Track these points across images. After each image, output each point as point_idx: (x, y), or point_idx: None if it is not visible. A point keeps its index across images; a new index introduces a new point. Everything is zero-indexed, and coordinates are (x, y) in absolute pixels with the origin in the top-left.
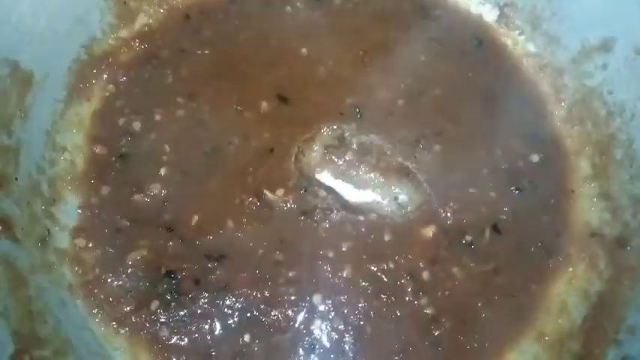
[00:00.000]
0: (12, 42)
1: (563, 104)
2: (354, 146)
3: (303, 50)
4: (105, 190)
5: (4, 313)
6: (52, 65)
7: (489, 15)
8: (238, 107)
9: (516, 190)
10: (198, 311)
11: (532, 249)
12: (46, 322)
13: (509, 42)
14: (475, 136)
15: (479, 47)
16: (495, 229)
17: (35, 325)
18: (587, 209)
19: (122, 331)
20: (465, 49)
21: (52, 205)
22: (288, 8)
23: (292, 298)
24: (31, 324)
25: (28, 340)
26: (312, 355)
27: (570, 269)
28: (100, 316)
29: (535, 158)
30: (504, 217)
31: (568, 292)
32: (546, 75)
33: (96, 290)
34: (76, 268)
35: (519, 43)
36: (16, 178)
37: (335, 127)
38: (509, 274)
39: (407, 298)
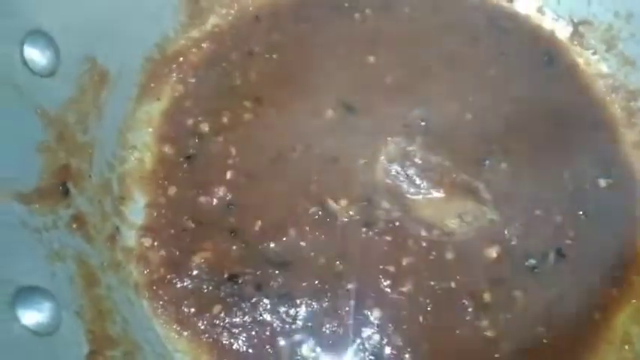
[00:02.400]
0: (92, 39)
1: (635, 128)
2: (419, 160)
3: (371, 58)
4: (172, 190)
5: (80, 312)
6: (126, 63)
7: (562, 31)
8: (304, 114)
9: (583, 214)
10: (259, 317)
11: (596, 276)
12: (115, 322)
13: (581, 61)
14: (543, 156)
15: (550, 64)
16: (560, 253)
17: (106, 324)
18: None
19: (184, 334)
20: (535, 65)
21: (121, 203)
22: (357, 15)
23: (351, 311)
24: (102, 324)
25: (101, 340)
26: None
27: (634, 301)
28: (163, 317)
29: (603, 183)
30: (569, 241)
31: (632, 323)
32: (619, 97)
33: (160, 291)
34: (142, 268)
35: (592, 62)
36: (90, 176)
37: (400, 139)
38: (572, 300)
39: (467, 319)
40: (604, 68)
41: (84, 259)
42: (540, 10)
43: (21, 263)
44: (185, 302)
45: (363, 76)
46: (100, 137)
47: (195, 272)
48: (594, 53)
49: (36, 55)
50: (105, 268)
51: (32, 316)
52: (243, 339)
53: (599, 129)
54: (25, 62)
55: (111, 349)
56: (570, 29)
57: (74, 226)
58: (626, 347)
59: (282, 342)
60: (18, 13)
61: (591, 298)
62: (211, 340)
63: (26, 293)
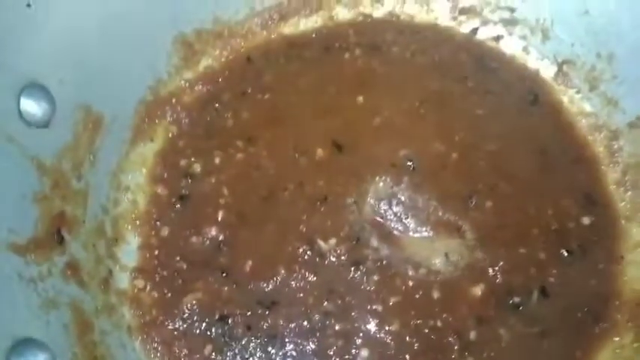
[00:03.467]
0: (86, 87)
1: (616, 167)
2: (406, 199)
3: (360, 98)
4: (164, 230)
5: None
6: (121, 107)
7: (547, 71)
8: (295, 153)
9: (566, 252)
10: (249, 358)
11: (579, 314)
12: None
13: (565, 99)
14: (527, 193)
15: (535, 102)
16: (543, 291)
17: None
18: (637, 277)
19: None
20: (521, 104)
21: (115, 245)
22: (347, 55)
23: (340, 350)
24: None
25: None
26: None
27: (617, 338)
28: (156, 359)
29: (586, 221)
30: (553, 279)
31: None
32: (601, 136)
33: (153, 333)
34: (135, 310)
35: (575, 101)
36: (84, 221)
37: (388, 178)
38: (556, 338)
39: (453, 357)
40: (587, 107)
41: (78, 305)
42: (525, 50)
43: (17, 315)
44: (177, 343)
45: (353, 116)
46: (95, 182)
47: (186, 313)
48: (578, 92)
49: (31, 107)
50: (99, 312)
51: None
52: None
53: (582, 167)
54: (20, 114)
55: None
56: (555, 68)
57: (68, 272)
58: None
59: None
60: (15, 66)
61: (574, 335)
62: None
63: (21, 346)
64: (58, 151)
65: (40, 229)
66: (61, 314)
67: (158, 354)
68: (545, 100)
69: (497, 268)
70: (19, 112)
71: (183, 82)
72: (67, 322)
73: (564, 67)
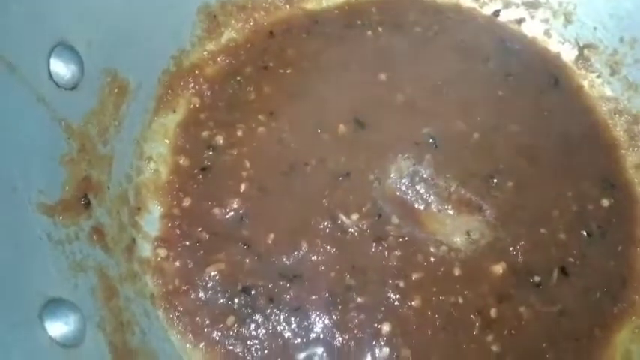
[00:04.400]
0: (113, 52)
1: (636, 151)
2: (428, 177)
3: (382, 76)
4: (186, 201)
5: (101, 324)
6: (145, 75)
7: (568, 54)
8: (317, 129)
9: (586, 233)
10: (272, 329)
11: (598, 294)
12: (134, 333)
13: (585, 83)
14: (548, 175)
15: (555, 86)
16: (563, 271)
17: (126, 336)
18: None
19: (199, 345)
20: (541, 86)
21: (137, 214)
22: (369, 33)
23: (361, 324)
24: (122, 335)
25: (122, 352)
26: None
27: (634, 318)
28: (179, 328)
29: (605, 203)
30: (572, 259)
31: (632, 340)
32: (621, 120)
33: (175, 302)
34: (157, 279)
35: (596, 85)
36: (108, 187)
37: (410, 156)
38: (575, 317)
39: (474, 333)
40: (608, 91)
41: (104, 270)
42: (547, 33)
43: (47, 275)
44: (199, 313)
45: (375, 93)
46: (119, 149)
47: (209, 284)
48: (599, 76)
49: (61, 68)
50: (123, 279)
51: (59, 328)
52: (256, 350)
53: (602, 150)
54: (50, 75)
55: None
56: (576, 52)
57: (94, 237)
58: None
59: (294, 353)
60: (44, 26)
61: (593, 315)
62: (225, 351)
63: (53, 305)
64: (85, 114)
65: (67, 192)
66: (89, 278)
67: (181, 323)
68: (566, 84)
69: (518, 247)
70: (49, 72)
71: (205, 53)
72: (94, 286)
73: (585, 51)
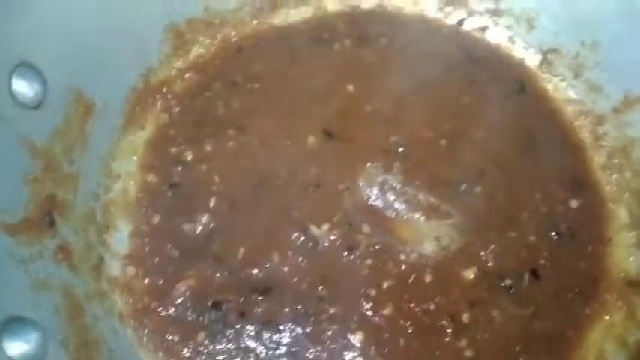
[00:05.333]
0: (78, 70)
1: (602, 151)
2: (397, 185)
3: (350, 87)
4: (156, 218)
5: (64, 342)
6: (112, 93)
7: (532, 59)
8: (286, 142)
9: (555, 235)
10: (243, 344)
11: (569, 295)
12: (100, 351)
13: (550, 87)
14: (516, 179)
15: (520, 91)
16: (534, 273)
17: (92, 354)
18: (625, 258)
19: None
20: (506, 92)
21: (105, 232)
22: (337, 45)
23: (334, 335)
24: (87, 353)
25: None
26: None
27: (607, 317)
28: (149, 346)
29: (574, 204)
30: (543, 261)
31: (605, 340)
32: (587, 122)
33: (145, 320)
34: (126, 297)
35: (560, 88)
36: (74, 206)
37: (379, 165)
38: (547, 319)
39: (446, 339)
40: (572, 94)
41: (69, 289)
42: (511, 40)
43: (8, 293)
44: (169, 330)
45: (343, 104)
46: (86, 167)
47: (179, 300)
48: (562, 80)
49: (23, 87)
50: (90, 297)
51: (18, 347)
52: None
53: (569, 152)
54: (12, 94)
55: None
56: (539, 57)
57: (60, 256)
58: None
59: None
60: (6, 45)
61: (565, 316)
62: None
63: (13, 324)
64: (49, 133)
65: (31, 210)
66: (53, 297)
67: (150, 341)
68: (531, 88)
69: (488, 252)
70: (11, 92)
71: (174, 70)
72: (58, 305)
73: (549, 56)
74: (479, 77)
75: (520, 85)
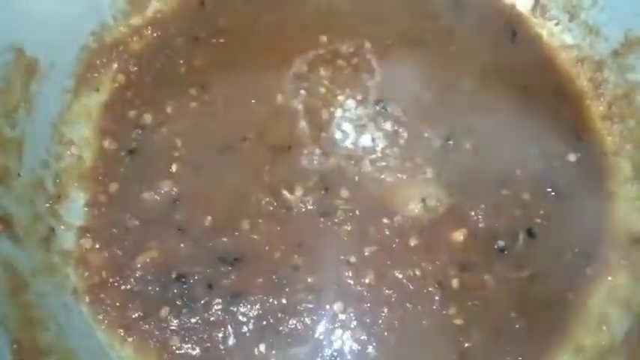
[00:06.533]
0: (16, 27)
1: (602, 100)
2: (378, 143)
3: (323, 38)
4: (113, 187)
5: (3, 321)
6: (59, 53)
7: (523, 4)
8: (253, 100)
9: (552, 191)
10: (211, 319)
11: (569, 255)
12: (47, 329)
13: (544, 32)
14: (508, 132)
15: (512, 38)
16: (530, 233)
17: (36, 333)
18: (629, 213)
19: (130, 339)
20: (497, 39)
21: (57, 203)
22: None
23: (311, 305)
24: (31, 333)
25: (29, 350)
26: None
27: (610, 278)
28: (106, 322)
29: (572, 157)
30: (539, 220)
31: (608, 302)
32: (584, 68)
33: (102, 295)
34: (82, 271)
35: (555, 34)
36: (19, 174)
37: (357, 121)
38: (545, 282)
39: (434, 308)
40: (568, 39)
41: (11, 262)
42: None
43: None
44: (130, 306)
45: (315, 57)
46: (31, 132)
47: (140, 274)
48: (557, 24)
49: None
50: (37, 272)
51: None
52: (194, 342)
53: (566, 102)
54: None
55: (40, 359)
56: (532, 1)
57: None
58: (604, 328)
59: (236, 343)
60: None
61: (564, 278)
62: (159, 344)
63: None
64: None
65: None
66: None
67: (108, 317)
68: (524, 35)
69: (479, 212)
70: None
71: (130, 27)
72: None
73: None
74: (466, 24)
75: (511, 31)
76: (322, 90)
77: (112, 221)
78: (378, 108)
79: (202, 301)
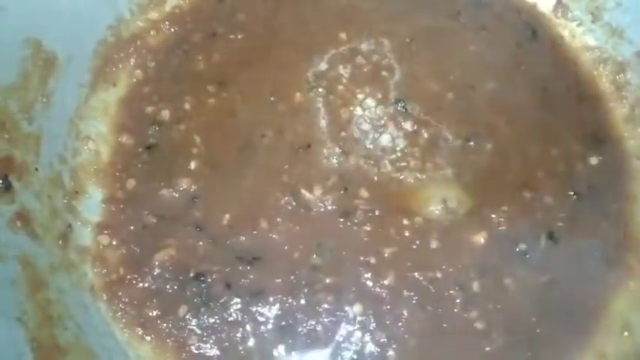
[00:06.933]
0: (34, 20)
1: (624, 102)
2: (399, 143)
3: (343, 35)
4: (131, 183)
5: (22, 318)
6: (77, 47)
7: (545, 4)
8: (272, 97)
9: (574, 194)
10: (230, 318)
11: (590, 260)
12: (66, 328)
13: (565, 33)
14: (529, 134)
15: (533, 38)
16: (551, 237)
17: (55, 331)
18: None
19: (147, 338)
20: (518, 39)
21: (74, 199)
22: None
23: (330, 306)
24: (50, 330)
25: (48, 349)
26: None
27: (632, 283)
28: (123, 320)
29: (594, 161)
30: (561, 224)
31: (631, 308)
32: (607, 70)
33: (120, 292)
34: (99, 268)
35: (577, 35)
36: (37, 169)
37: (377, 121)
38: (566, 287)
39: (455, 311)
40: (590, 40)
41: (30, 259)
42: None
43: None
44: (148, 304)
45: (335, 54)
46: (49, 127)
47: (158, 271)
48: (579, 25)
49: None
50: (55, 269)
51: None
52: (213, 342)
53: (588, 104)
54: None
55: (59, 357)
56: (553, 1)
57: (18, 223)
58: (626, 334)
59: (255, 343)
60: None
61: (586, 283)
62: (177, 344)
63: None
64: (2, 88)
65: None
66: (8, 268)
67: (126, 315)
68: (545, 35)
69: (500, 214)
70: None
71: (148, 22)
72: (15, 277)
73: None
74: (487, 24)
75: (532, 31)
76: (341, 88)
77: (130, 218)
78: (398, 107)
79: (221, 301)
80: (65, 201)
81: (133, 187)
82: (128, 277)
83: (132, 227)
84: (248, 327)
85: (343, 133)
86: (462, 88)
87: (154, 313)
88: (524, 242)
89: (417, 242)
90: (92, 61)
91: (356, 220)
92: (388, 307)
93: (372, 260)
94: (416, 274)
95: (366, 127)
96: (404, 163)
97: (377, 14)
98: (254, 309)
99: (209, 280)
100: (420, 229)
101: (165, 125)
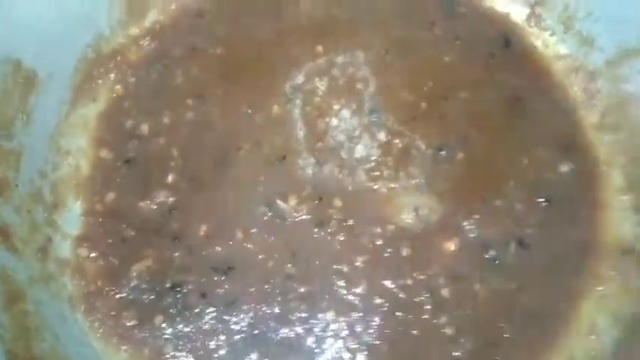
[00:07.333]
0: (14, 39)
1: (595, 110)
2: (372, 153)
3: (319, 48)
4: (110, 196)
5: None
6: (57, 64)
7: (518, 14)
8: (249, 110)
9: (544, 202)
10: (205, 327)
11: (560, 265)
12: (43, 339)
13: (539, 43)
14: (501, 143)
15: (506, 48)
16: (521, 243)
17: (31, 343)
18: (620, 224)
19: (124, 348)
20: (491, 50)
21: (54, 212)
22: (305, 4)
23: (304, 315)
24: (26, 342)
25: None
26: None
27: (601, 288)
28: (101, 331)
29: (564, 168)
30: (531, 231)
31: (599, 312)
32: (578, 79)
33: (98, 303)
34: (78, 280)
35: (550, 44)
36: (17, 185)
37: (351, 132)
38: (536, 292)
39: (425, 317)
40: (562, 49)
41: (8, 273)
42: None
43: None
44: (125, 314)
45: (312, 67)
46: (29, 144)
47: (135, 282)
48: (552, 34)
49: None
50: (33, 281)
51: None
52: (188, 350)
53: (559, 112)
54: None
55: None
56: (527, 11)
57: None
58: (592, 337)
59: (229, 352)
60: None
61: (555, 288)
62: (154, 353)
63: None
64: None
65: None
66: None
67: (103, 325)
68: (518, 45)
69: (471, 222)
70: None
71: (128, 37)
72: None
73: (536, 9)
74: (461, 34)
75: (506, 41)
76: (318, 100)
77: (109, 230)
78: (372, 118)
79: (196, 310)
80: (45, 215)
81: (112, 200)
82: (106, 288)
83: (110, 240)
84: (222, 336)
85: (320, 144)
86: (435, 99)
87: (131, 323)
88: (494, 249)
89: (389, 250)
90: (73, 78)
91: (330, 230)
92: (360, 314)
93: (345, 269)
94: (387, 281)
95: (341, 137)
96: (378, 173)
97: (353, 26)
98: (228, 318)
99: (185, 290)
100: (392, 237)
101: (144, 139)
